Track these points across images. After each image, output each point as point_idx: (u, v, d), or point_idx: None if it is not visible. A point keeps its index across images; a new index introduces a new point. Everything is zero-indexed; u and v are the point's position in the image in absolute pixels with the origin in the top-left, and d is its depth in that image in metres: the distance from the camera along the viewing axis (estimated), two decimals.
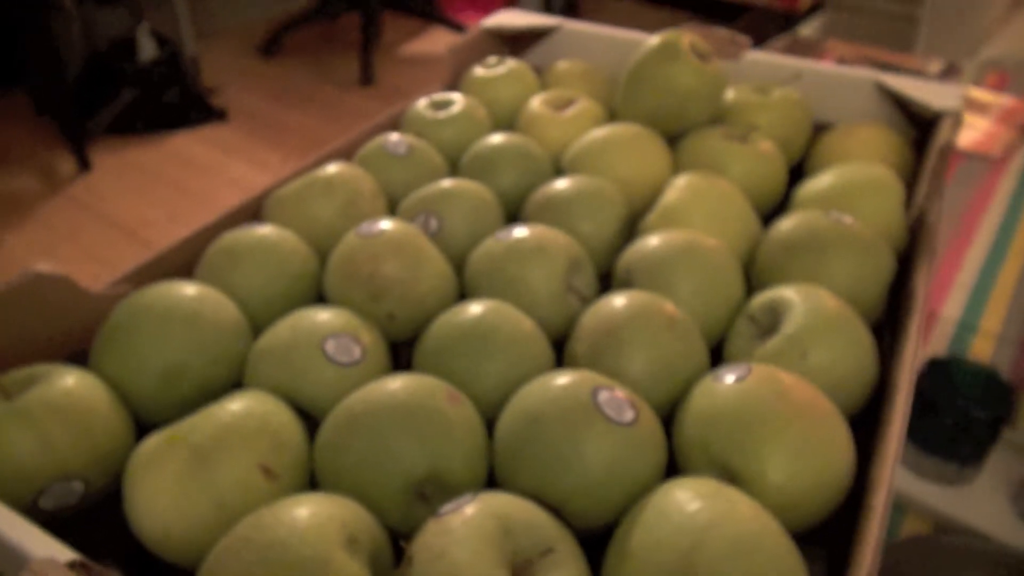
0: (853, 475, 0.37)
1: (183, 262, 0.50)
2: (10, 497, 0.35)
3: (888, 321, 0.50)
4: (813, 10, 2.44)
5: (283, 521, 0.30)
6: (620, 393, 0.37)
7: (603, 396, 0.36)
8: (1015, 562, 0.46)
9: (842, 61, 1.24)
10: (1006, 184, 0.93)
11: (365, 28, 2.50)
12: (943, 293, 0.74)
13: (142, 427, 0.40)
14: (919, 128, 0.66)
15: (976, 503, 0.52)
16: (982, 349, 0.68)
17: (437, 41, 2.82)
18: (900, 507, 0.53)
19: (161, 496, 0.33)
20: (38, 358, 0.42)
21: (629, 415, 0.36)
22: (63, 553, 0.28)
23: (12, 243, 1.76)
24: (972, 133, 1.03)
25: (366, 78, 2.50)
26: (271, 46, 2.68)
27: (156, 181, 1.99)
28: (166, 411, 0.40)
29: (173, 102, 2.21)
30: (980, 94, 1.15)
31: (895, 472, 0.35)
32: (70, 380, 0.38)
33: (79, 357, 0.43)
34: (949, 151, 0.57)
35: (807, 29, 2.21)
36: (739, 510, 0.31)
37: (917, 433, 0.52)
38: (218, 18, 2.88)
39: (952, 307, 0.73)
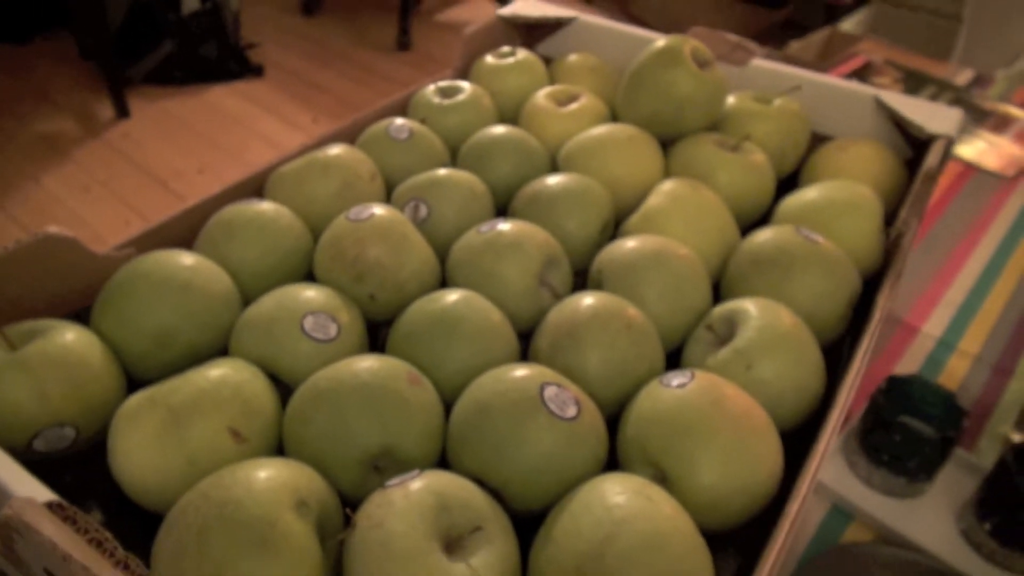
0: (778, 482, 0.39)
1: (186, 230, 0.53)
2: (7, 438, 0.39)
3: (851, 337, 0.52)
4: (859, 3, 2.40)
5: (239, 481, 0.33)
6: (567, 390, 0.40)
7: (549, 391, 0.39)
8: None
9: (870, 62, 1.23)
10: (1013, 204, 0.93)
11: None
12: (928, 309, 0.76)
13: (134, 383, 0.44)
14: (915, 148, 0.67)
15: (921, 518, 0.54)
16: (957, 369, 0.70)
17: (477, 10, 2.82)
18: (846, 514, 0.55)
19: (139, 450, 0.37)
20: (45, 314, 0.46)
21: (572, 411, 0.39)
22: (43, 494, 0.31)
23: (48, 182, 1.82)
24: (988, 149, 1.03)
25: (403, 43, 2.52)
26: (311, 5, 2.70)
27: (189, 132, 2.04)
28: (156, 371, 0.44)
29: (211, 55, 2.25)
30: (1006, 109, 1.13)
31: (814, 483, 0.37)
32: (69, 335, 0.42)
33: (83, 315, 0.47)
34: (934, 176, 0.58)
35: (850, 23, 2.17)
36: (656, 508, 0.34)
37: (869, 445, 0.55)
38: None
39: (934, 324, 0.74)
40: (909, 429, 0.52)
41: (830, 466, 0.58)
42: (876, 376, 0.64)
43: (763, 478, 0.38)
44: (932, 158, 0.58)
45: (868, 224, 0.55)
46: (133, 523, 0.39)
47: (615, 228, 0.59)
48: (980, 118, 1.10)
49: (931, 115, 0.64)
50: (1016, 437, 0.62)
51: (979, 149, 1.03)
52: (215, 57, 2.25)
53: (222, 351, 0.46)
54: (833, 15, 2.37)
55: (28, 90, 2.15)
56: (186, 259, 0.47)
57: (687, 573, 0.33)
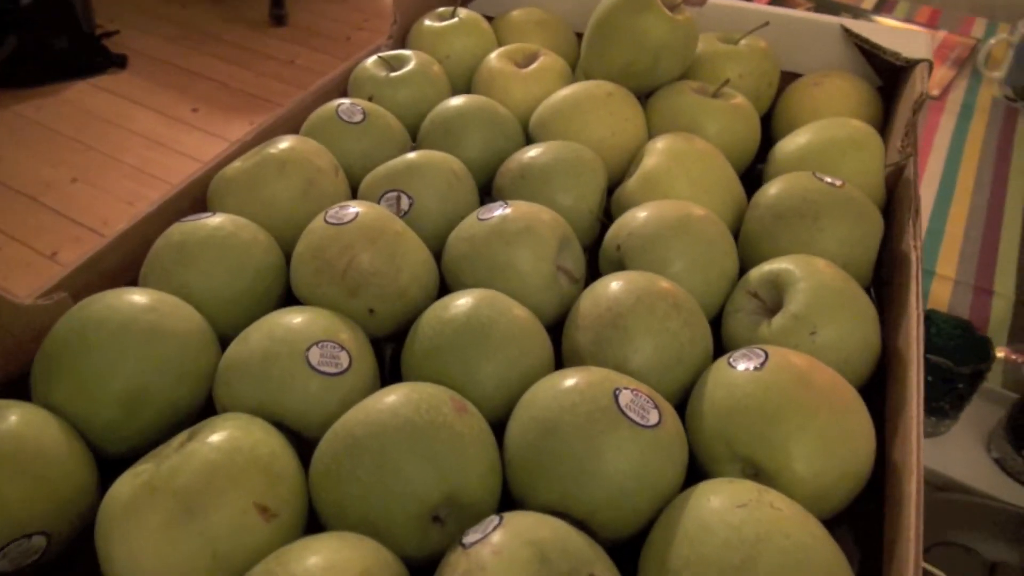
0: (874, 458, 0.36)
1: (124, 260, 0.44)
2: None
3: (875, 287, 0.50)
4: None
5: None
6: (642, 392, 0.35)
7: (624, 397, 0.34)
8: (1003, 513, 0.47)
9: None
10: (946, 123, 0.94)
11: None
12: None
13: (104, 462, 0.36)
14: (884, 76, 0.65)
15: (953, 453, 0.53)
16: (941, 294, 0.69)
17: None
18: None
19: (146, 552, 0.29)
20: None
21: (654, 417, 0.34)
22: None
23: None
24: None
25: (277, 17, 2.35)
26: None
27: (53, 137, 1.83)
28: (129, 441, 0.36)
29: (63, 48, 2.02)
30: (915, 30, 1.15)
31: (921, 459, 0.34)
32: (13, 419, 0.33)
33: (15, 386, 0.38)
34: (924, 101, 0.56)
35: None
36: (786, 517, 0.30)
37: None
38: None
39: None
40: (940, 368, 0.50)
41: None
42: None
43: (864, 457, 0.35)
44: (920, 83, 0.56)
45: (873, 161, 0.52)
46: None
47: (609, 195, 0.54)
48: None
49: (901, 40, 0.62)
50: (1015, 356, 0.62)
51: None
52: (68, 50, 2.02)
53: (204, 404, 0.38)
54: None
55: None
56: (141, 297, 0.38)
57: None
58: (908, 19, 1.19)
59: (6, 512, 0.31)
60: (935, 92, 1.00)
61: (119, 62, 2.10)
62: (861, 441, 0.35)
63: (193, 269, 0.41)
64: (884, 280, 0.49)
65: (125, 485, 0.31)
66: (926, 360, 0.51)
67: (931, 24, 1.18)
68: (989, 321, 0.67)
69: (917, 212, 0.49)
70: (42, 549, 0.32)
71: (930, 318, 0.54)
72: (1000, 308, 0.68)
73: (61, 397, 0.35)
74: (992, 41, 1.00)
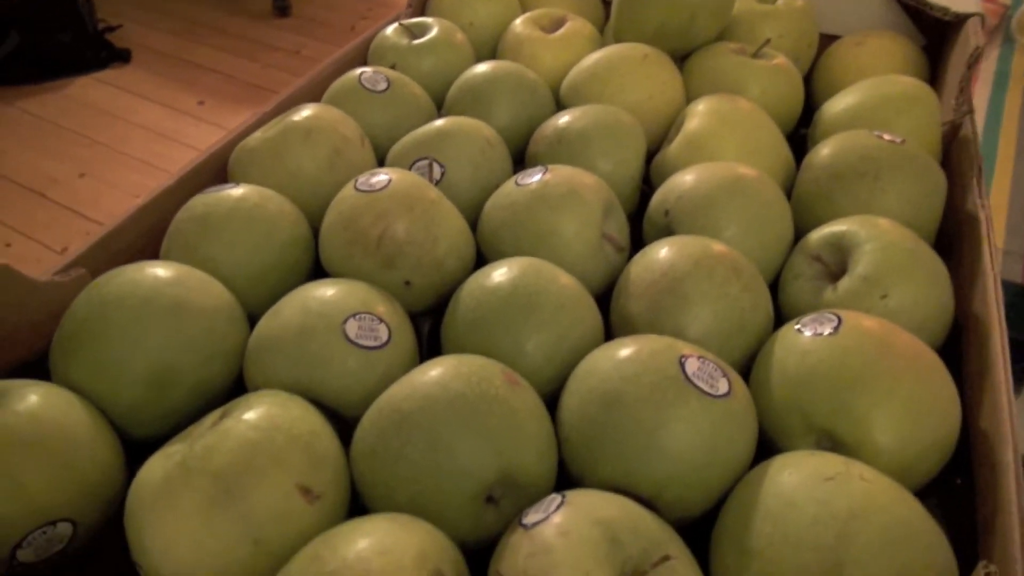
0: (959, 426, 0.33)
1: (143, 237, 0.42)
2: None
3: (938, 249, 0.47)
4: None
5: (350, 564, 0.24)
6: (709, 360, 0.32)
7: (691, 365, 0.31)
8: None
9: None
10: (981, 93, 0.90)
11: None
12: None
13: (131, 446, 0.33)
14: (928, 34, 0.62)
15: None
16: None
17: None
18: None
19: (182, 537, 0.27)
20: None
21: (723, 386, 0.31)
22: None
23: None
24: None
25: (280, 7, 2.31)
26: None
27: (58, 133, 1.81)
28: (157, 424, 0.34)
29: (66, 43, 1.99)
30: None
31: (1016, 429, 0.31)
32: (32, 398, 0.30)
33: (34, 367, 0.35)
34: (979, 55, 0.53)
35: None
36: (881, 492, 0.27)
37: None
38: None
39: None
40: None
41: None
42: None
43: (951, 426, 0.32)
44: (974, 38, 0.53)
45: (930, 117, 0.49)
46: None
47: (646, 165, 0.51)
48: None
49: None
50: None
51: None
52: (71, 45, 1.99)
53: (235, 384, 0.36)
54: None
55: None
56: (165, 271, 0.35)
57: (940, 564, 0.26)
58: None
59: (27, 498, 0.28)
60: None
61: (123, 56, 2.07)
62: (948, 409, 0.32)
63: (218, 242, 0.39)
64: (949, 243, 0.46)
65: (157, 467, 0.28)
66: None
67: None
68: None
69: (980, 170, 0.46)
70: (68, 537, 0.30)
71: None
72: None
73: (82, 377, 0.33)
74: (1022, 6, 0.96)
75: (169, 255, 0.40)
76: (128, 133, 1.81)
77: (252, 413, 0.30)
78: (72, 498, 0.29)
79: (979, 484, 0.32)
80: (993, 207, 0.72)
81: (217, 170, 0.47)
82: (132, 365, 0.33)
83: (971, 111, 0.51)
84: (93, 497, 0.30)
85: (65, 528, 0.29)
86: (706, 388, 0.31)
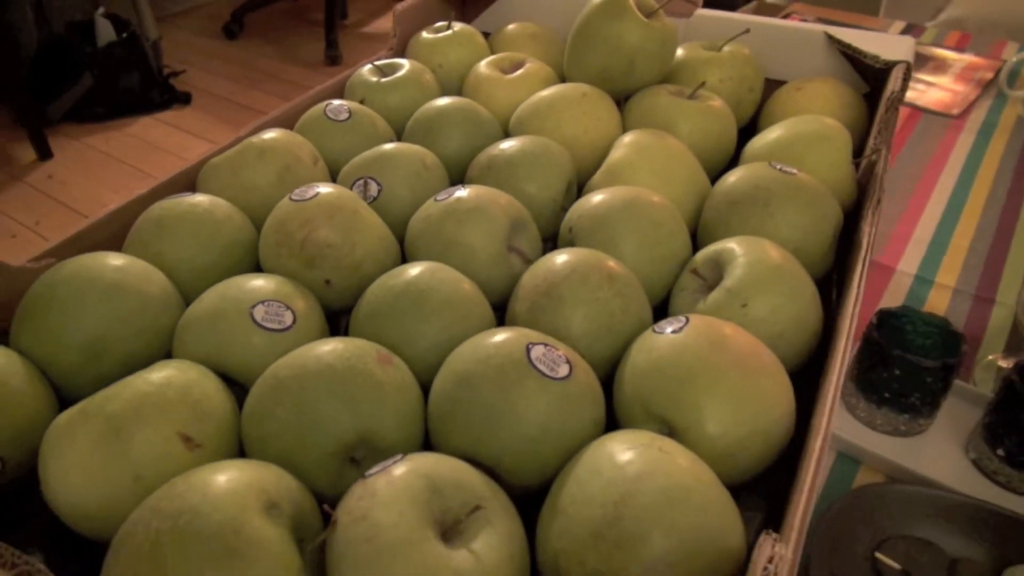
0: (792, 424, 0.36)
1: (112, 234, 0.48)
2: None
3: (837, 273, 0.50)
4: None
5: (194, 487, 0.29)
6: (555, 348, 0.36)
7: (536, 352, 0.35)
8: (967, 508, 0.46)
9: (803, 20, 1.23)
10: (964, 140, 0.92)
11: (329, 6, 2.45)
12: (900, 248, 0.74)
13: (66, 404, 0.39)
14: (871, 82, 0.65)
15: (930, 453, 0.52)
16: (939, 301, 0.68)
17: None
18: (853, 459, 0.53)
19: (76, 470, 0.32)
20: None
21: (564, 370, 0.35)
22: None
23: None
24: (932, 91, 1.03)
25: (332, 57, 2.46)
26: (234, 28, 2.63)
27: (116, 166, 1.95)
28: (89, 387, 0.39)
29: (134, 86, 2.16)
30: (941, 53, 1.14)
31: (833, 416, 0.34)
32: None
33: (4, 336, 0.41)
34: (898, 101, 0.56)
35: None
36: (673, 460, 0.30)
37: (869, 385, 0.52)
38: (177, 0, 2.82)
39: (909, 262, 0.72)
40: (907, 362, 0.50)
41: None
42: (863, 317, 0.62)
43: (777, 418, 0.35)
44: (893, 83, 0.57)
45: (839, 154, 0.52)
46: (84, 564, 0.34)
47: (578, 192, 0.56)
48: (919, 64, 1.10)
49: (884, 45, 0.62)
50: (1004, 364, 0.60)
51: (922, 92, 1.03)
52: (138, 88, 2.16)
53: (164, 358, 0.41)
54: None
55: None
56: (113, 260, 0.42)
57: (714, 526, 0.29)
58: (935, 43, 1.18)
59: None
60: (955, 111, 0.98)
61: (183, 99, 2.23)
62: (773, 402, 0.35)
63: (167, 240, 0.45)
64: (845, 270, 0.49)
65: (66, 412, 0.34)
66: (895, 355, 0.50)
67: (960, 47, 1.17)
68: (987, 329, 0.65)
69: (879, 202, 0.50)
70: None
71: (905, 315, 0.53)
72: (1000, 317, 0.66)
73: (28, 342, 0.39)
74: (1014, 60, 0.98)
75: (127, 249, 0.46)
76: (179, 167, 1.94)
77: (153, 374, 0.35)
78: (2, 437, 0.35)
79: (798, 469, 0.35)
80: (953, 248, 0.75)
81: (189, 183, 0.53)
82: (70, 334, 0.39)
83: (886, 151, 0.54)
84: (21, 439, 0.36)
85: None
86: (546, 371, 0.35)
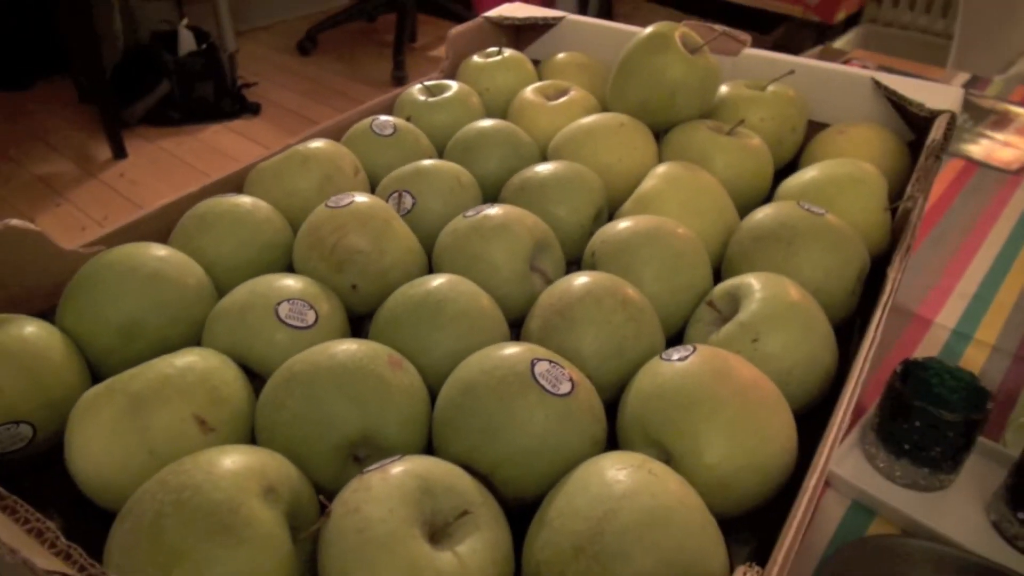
0: (793, 460, 0.36)
1: (161, 229, 0.51)
2: None
3: (861, 319, 0.49)
4: (849, 24, 2.41)
5: (200, 466, 0.30)
6: (560, 366, 0.37)
7: (540, 367, 0.36)
8: (982, 570, 0.45)
9: (865, 67, 1.22)
10: (1020, 197, 0.90)
11: (399, 29, 2.53)
12: (941, 301, 0.73)
13: (99, 381, 0.41)
14: (916, 130, 0.65)
15: (949, 510, 0.51)
16: (975, 359, 0.66)
17: None
18: (868, 510, 0.52)
19: (96, 442, 0.34)
20: (9, 310, 0.43)
21: (565, 387, 0.36)
22: None
23: (44, 223, 1.81)
24: (991, 145, 1.01)
25: (398, 78, 2.53)
26: (307, 45, 2.73)
27: (187, 170, 2.04)
28: (121, 367, 0.41)
29: (208, 95, 2.26)
30: (1004, 107, 1.12)
31: (832, 456, 0.34)
32: (27, 329, 0.39)
33: (49, 317, 0.44)
34: (939, 150, 0.56)
35: (841, 42, 2.18)
36: (660, 483, 0.31)
37: (890, 436, 0.51)
38: (258, 16, 2.95)
39: (948, 316, 0.71)
40: (930, 414, 0.49)
41: (848, 460, 0.54)
42: (890, 367, 0.61)
43: (775, 453, 0.35)
44: (936, 132, 0.56)
45: (872, 199, 0.52)
46: (100, 532, 0.36)
47: (609, 218, 0.57)
48: (980, 116, 1.08)
49: (932, 94, 0.62)
50: None
51: (982, 146, 1.01)
52: (212, 97, 2.26)
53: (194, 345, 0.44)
54: (822, 38, 2.38)
55: (26, 134, 2.16)
56: (156, 250, 0.44)
57: (695, 550, 0.29)
58: (1000, 97, 1.16)
59: (1, 398, 0.36)
60: (1015, 167, 0.96)
61: (253, 109, 2.32)
62: (772, 436, 0.35)
63: (208, 236, 0.47)
64: (867, 313, 0.48)
65: (94, 388, 0.36)
66: (917, 406, 0.49)
67: None
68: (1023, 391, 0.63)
69: (908, 249, 0.49)
70: (28, 439, 0.38)
71: (932, 367, 0.52)
72: None
73: (71, 320, 0.41)
74: None
75: (172, 242, 0.48)
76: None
77: (177, 358, 0.37)
78: (36, 406, 0.37)
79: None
80: (997, 304, 0.73)
81: (238, 184, 0.56)
82: (109, 315, 0.41)
83: (923, 198, 0.53)
84: (53, 409, 0.38)
85: (26, 430, 0.37)
86: (548, 387, 0.35)
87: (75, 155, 2.07)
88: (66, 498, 0.38)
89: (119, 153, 2.06)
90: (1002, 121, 1.07)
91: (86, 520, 0.38)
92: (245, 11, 2.85)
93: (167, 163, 2.07)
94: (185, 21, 2.20)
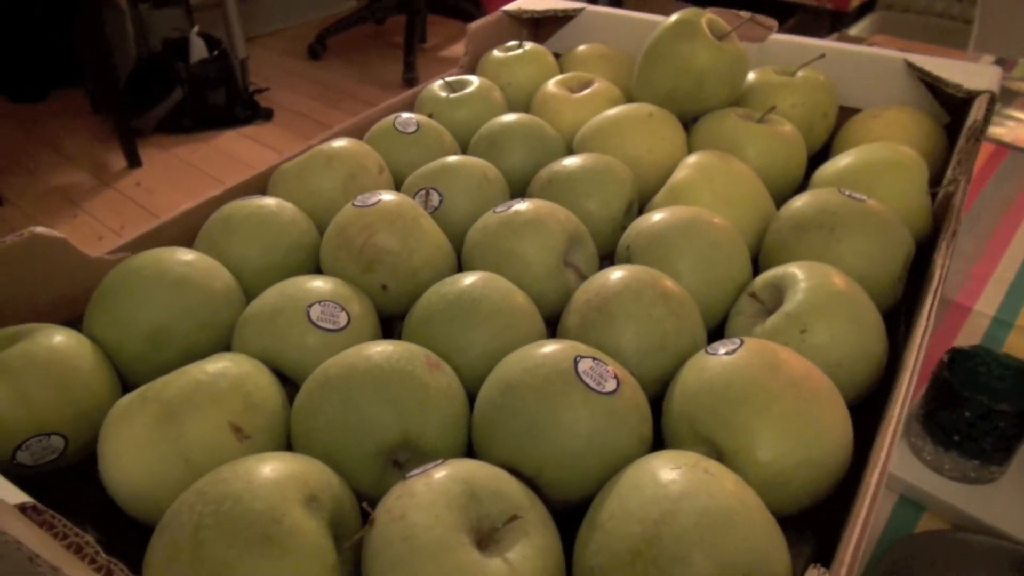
0: (849, 455, 0.35)
1: (185, 233, 0.50)
2: None
3: (906, 307, 0.48)
4: (864, 10, 2.38)
5: (239, 475, 0.29)
6: (604, 363, 0.35)
7: (584, 365, 0.35)
8: None
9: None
10: None
11: (409, 30, 2.52)
12: (979, 288, 0.71)
13: (129, 390, 0.40)
14: (952, 112, 0.63)
15: (1001, 503, 0.49)
16: (1018, 345, 0.64)
17: None
18: (918, 504, 0.50)
19: (130, 451, 0.33)
20: (35, 319, 0.43)
21: (611, 385, 0.34)
22: (16, 497, 0.28)
23: (60, 233, 1.81)
24: (1021, 127, 0.98)
25: (409, 80, 2.53)
26: (318, 49, 2.73)
27: (200, 177, 2.04)
28: (151, 375, 0.40)
29: (220, 102, 2.26)
30: None
31: (893, 450, 0.33)
32: (56, 338, 0.38)
33: (76, 325, 0.43)
34: (980, 131, 0.54)
35: (857, 29, 2.15)
36: (718, 482, 0.30)
37: (937, 428, 0.49)
38: (267, 21, 2.95)
39: (987, 303, 0.69)
40: (980, 404, 0.47)
41: (894, 453, 0.52)
42: (932, 358, 0.59)
43: (832, 448, 0.34)
44: (976, 113, 0.54)
45: (913, 183, 0.51)
46: (136, 545, 0.35)
47: (639, 211, 0.56)
48: (1008, 99, 1.06)
49: (968, 74, 0.60)
50: None
51: (1011, 129, 0.98)
52: (224, 103, 2.26)
53: (223, 351, 0.43)
54: (837, 25, 2.35)
55: (40, 145, 2.17)
56: (182, 255, 0.43)
57: (757, 552, 0.28)
58: None
59: (31, 409, 0.35)
60: None
61: (266, 115, 2.32)
62: (828, 430, 0.34)
63: (234, 239, 0.46)
64: (913, 302, 0.47)
65: (127, 396, 0.35)
66: (966, 396, 0.48)
67: None
68: None
69: (954, 234, 0.47)
70: (60, 450, 0.37)
71: (979, 355, 0.51)
72: None
73: (99, 328, 0.40)
74: None
75: (197, 247, 0.48)
76: None
77: (209, 364, 0.36)
78: (66, 417, 0.37)
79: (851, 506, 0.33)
80: None
81: (260, 187, 0.55)
82: (138, 322, 0.40)
83: (966, 181, 0.51)
84: (84, 419, 0.37)
85: (58, 441, 0.37)
86: (593, 385, 0.34)
87: (90, 165, 2.08)
88: (101, 511, 0.37)
89: (134, 162, 2.07)
90: None
91: (122, 533, 0.37)
92: (255, 17, 2.86)
93: (182, 171, 2.07)
94: (196, 28, 2.20)
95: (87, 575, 0.24)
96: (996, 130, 0.98)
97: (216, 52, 2.18)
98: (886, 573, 0.42)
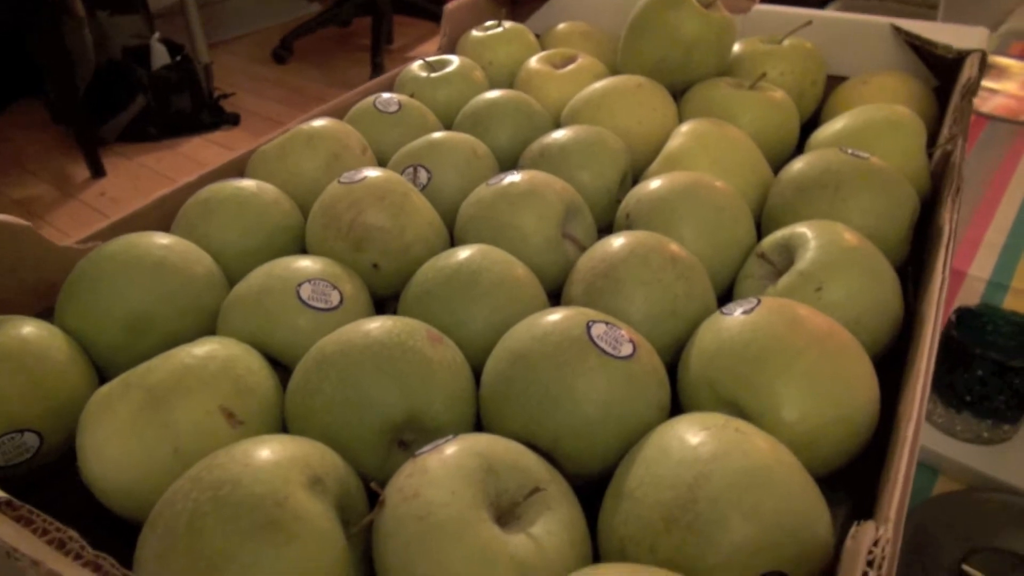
0: (877, 411, 0.33)
1: (160, 221, 0.47)
2: None
3: (913, 264, 0.47)
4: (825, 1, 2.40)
5: (236, 458, 0.27)
6: (617, 327, 0.34)
7: (597, 329, 0.33)
8: None
9: None
10: None
11: (375, 31, 2.49)
12: (971, 253, 0.70)
13: (107, 381, 0.38)
14: (940, 76, 0.62)
15: (1015, 460, 0.48)
16: (1015, 307, 0.64)
17: None
18: (932, 468, 0.49)
19: (113, 440, 0.31)
20: (1, 311, 0.40)
21: (627, 349, 0.33)
22: None
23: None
24: (997, 98, 0.99)
25: None
26: (283, 53, 2.68)
27: (169, 185, 1.98)
28: (131, 364, 0.37)
29: (185, 108, 2.21)
30: (1004, 62, 1.10)
31: (923, 409, 0.31)
32: (26, 329, 0.35)
33: (46, 316, 0.40)
34: (974, 89, 0.53)
35: (829, 10, 2.16)
36: (750, 441, 0.28)
37: (948, 389, 0.48)
38: (230, 26, 2.90)
39: (980, 267, 0.68)
40: (992, 362, 0.46)
41: None
42: None
43: (861, 404, 0.32)
44: (969, 71, 0.54)
45: (911, 142, 0.49)
46: (125, 550, 0.32)
47: (633, 183, 0.54)
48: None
49: (956, 36, 0.59)
50: None
51: (986, 99, 0.99)
52: (189, 110, 2.21)
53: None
54: (811, 5, 2.36)
55: (0, 158, 2.10)
56: (159, 239, 0.41)
57: (799, 512, 0.26)
58: (998, 52, 1.14)
59: (1, 405, 0.33)
60: (1023, 117, 0.94)
61: (232, 120, 2.27)
62: (856, 384, 0.32)
63: (214, 222, 0.44)
64: (923, 261, 0.46)
65: (106, 385, 0.32)
66: (977, 355, 0.47)
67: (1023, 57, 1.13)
68: None
69: (958, 190, 0.46)
70: (35, 449, 0.34)
71: (986, 313, 0.50)
72: None
73: (72, 318, 0.38)
74: None
75: (175, 231, 0.45)
76: None
77: (196, 347, 0.34)
78: (40, 413, 0.34)
79: (886, 459, 0.32)
80: None
81: (238, 171, 0.52)
82: (114, 310, 0.37)
83: (963, 138, 0.51)
84: (60, 415, 0.34)
85: (32, 439, 0.34)
86: (608, 349, 0.32)
87: (52, 177, 2.02)
88: (82, 511, 0.34)
89: (97, 172, 2.01)
90: (1003, 74, 1.05)
91: (108, 536, 0.34)
92: (218, 23, 2.80)
93: (147, 179, 2.02)
94: (157, 35, 2.15)
95: (73, 570, 0.22)
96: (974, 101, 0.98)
97: (179, 58, 2.13)
98: (912, 536, 0.41)
